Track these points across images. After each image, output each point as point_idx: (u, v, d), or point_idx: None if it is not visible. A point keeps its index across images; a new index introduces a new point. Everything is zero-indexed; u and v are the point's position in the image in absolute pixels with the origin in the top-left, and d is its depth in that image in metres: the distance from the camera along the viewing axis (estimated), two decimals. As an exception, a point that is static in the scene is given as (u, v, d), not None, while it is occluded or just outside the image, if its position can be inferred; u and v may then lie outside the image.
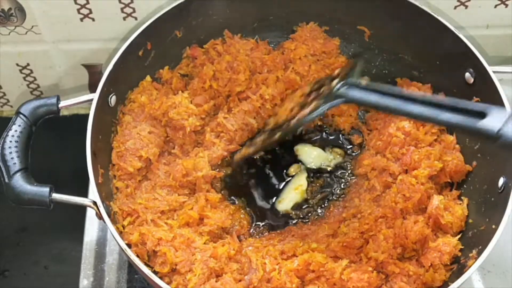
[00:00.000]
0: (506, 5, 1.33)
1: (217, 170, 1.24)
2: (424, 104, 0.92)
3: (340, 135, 1.34)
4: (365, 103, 1.02)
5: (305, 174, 1.27)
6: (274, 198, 1.26)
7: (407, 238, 1.09)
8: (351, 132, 1.34)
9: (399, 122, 1.23)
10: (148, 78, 1.28)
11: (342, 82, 1.01)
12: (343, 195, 1.26)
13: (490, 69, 1.15)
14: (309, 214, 1.23)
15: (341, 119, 1.34)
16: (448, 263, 1.07)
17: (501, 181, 1.08)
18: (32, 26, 1.29)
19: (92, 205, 1.04)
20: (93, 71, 1.43)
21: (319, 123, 1.35)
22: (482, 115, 0.87)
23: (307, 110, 1.07)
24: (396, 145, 1.22)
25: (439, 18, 1.22)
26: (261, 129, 1.27)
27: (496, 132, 0.85)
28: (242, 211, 1.23)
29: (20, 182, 1.03)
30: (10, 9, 1.25)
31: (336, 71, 1.09)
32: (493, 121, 0.86)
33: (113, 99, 1.19)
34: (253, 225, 1.22)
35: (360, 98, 1.00)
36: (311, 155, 1.30)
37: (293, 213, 1.23)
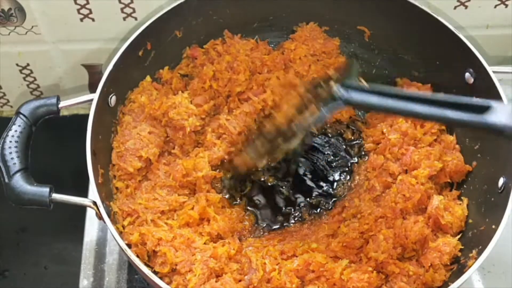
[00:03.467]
0: (506, 5, 1.33)
1: (217, 170, 1.24)
2: (426, 103, 0.91)
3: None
4: (367, 105, 0.99)
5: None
6: (274, 198, 1.26)
7: (407, 238, 1.09)
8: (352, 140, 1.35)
9: (395, 123, 1.23)
10: (148, 78, 1.28)
11: (340, 84, 0.98)
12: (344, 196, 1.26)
13: (490, 69, 1.15)
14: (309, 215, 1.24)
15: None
16: (448, 263, 1.07)
17: (501, 181, 1.08)
18: (32, 26, 1.29)
19: (92, 205, 1.04)
20: (93, 71, 1.43)
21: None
22: (484, 110, 0.87)
23: (307, 115, 1.04)
24: (394, 146, 1.22)
25: (439, 18, 1.22)
26: (257, 130, 1.25)
27: (502, 126, 0.84)
28: (245, 213, 1.23)
29: (20, 182, 1.03)
30: (10, 9, 1.25)
31: (331, 72, 1.06)
32: (499, 114, 0.86)
33: (113, 99, 1.19)
34: (254, 225, 1.22)
35: (361, 100, 0.97)
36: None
37: None
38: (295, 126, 1.06)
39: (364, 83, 1.01)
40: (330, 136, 1.34)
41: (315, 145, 1.33)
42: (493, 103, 0.88)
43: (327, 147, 1.33)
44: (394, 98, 0.93)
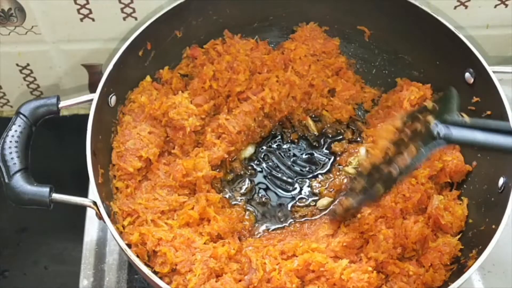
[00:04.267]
0: (506, 5, 1.33)
1: (217, 170, 1.24)
2: None
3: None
4: (472, 143, 0.90)
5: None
6: (274, 197, 1.26)
7: (407, 238, 1.09)
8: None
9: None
10: (148, 78, 1.28)
11: (440, 120, 0.90)
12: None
13: (490, 69, 1.15)
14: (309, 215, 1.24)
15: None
16: (448, 263, 1.07)
17: (501, 181, 1.08)
18: (32, 26, 1.29)
19: (92, 205, 1.04)
20: (93, 71, 1.43)
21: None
22: None
23: (406, 155, 0.95)
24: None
25: (439, 18, 1.22)
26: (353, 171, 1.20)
27: None
28: (245, 213, 1.23)
29: (20, 182, 1.03)
30: (10, 9, 1.25)
31: (428, 103, 0.97)
32: None
33: (113, 99, 1.19)
34: (255, 226, 1.22)
35: (465, 137, 0.88)
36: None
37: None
38: (393, 168, 0.98)
39: (465, 117, 0.92)
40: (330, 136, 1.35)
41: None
42: None
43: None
44: (501, 133, 0.87)
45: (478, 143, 0.89)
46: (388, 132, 1.03)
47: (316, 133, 1.34)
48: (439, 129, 0.89)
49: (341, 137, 1.34)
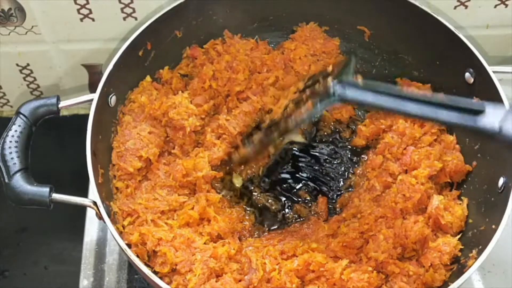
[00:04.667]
0: (506, 5, 1.33)
1: (217, 170, 1.24)
2: (423, 103, 0.92)
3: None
4: (362, 102, 0.99)
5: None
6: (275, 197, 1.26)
7: (407, 238, 1.09)
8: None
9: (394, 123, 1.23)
10: (148, 78, 1.28)
11: (337, 80, 0.98)
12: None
13: (490, 69, 1.15)
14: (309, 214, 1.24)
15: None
16: (448, 263, 1.07)
17: (501, 181, 1.08)
18: (32, 26, 1.29)
19: (92, 205, 1.04)
20: (93, 71, 1.43)
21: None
22: (480, 112, 0.88)
23: (303, 110, 1.05)
24: (393, 146, 1.22)
25: (439, 18, 1.22)
26: (256, 126, 1.26)
27: (496, 129, 0.85)
28: (245, 213, 1.23)
29: (20, 182, 1.03)
30: (10, 9, 1.25)
31: (329, 68, 1.06)
32: (492, 118, 0.87)
33: (113, 99, 1.19)
34: (255, 226, 1.22)
35: (357, 97, 0.97)
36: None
37: None
38: (290, 120, 1.07)
39: (360, 80, 1.00)
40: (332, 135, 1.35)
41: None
42: (488, 106, 0.88)
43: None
44: (389, 96, 0.94)
45: (367, 103, 0.96)
46: (289, 92, 1.11)
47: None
48: (335, 88, 0.96)
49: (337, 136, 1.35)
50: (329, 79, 1.00)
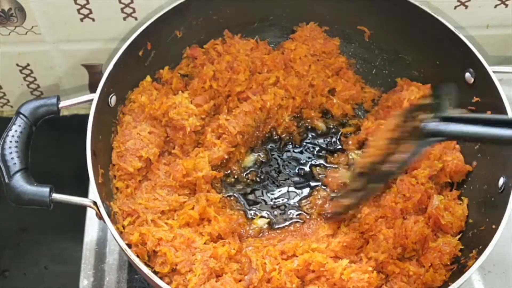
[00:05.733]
0: (506, 5, 1.33)
1: (217, 170, 1.24)
2: None
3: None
4: (467, 137, 0.92)
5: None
6: (275, 196, 1.26)
7: (407, 238, 1.09)
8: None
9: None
10: (148, 78, 1.28)
11: (435, 116, 0.91)
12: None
13: (490, 69, 1.15)
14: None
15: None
16: (448, 263, 1.07)
17: (501, 181, 1.08)
18: (32, 26, 1.29)
19: (92, 205, 1.04)
20: (93, 71, 1.43)
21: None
22: None
23: (403, 156, 0.97)
24: None
25: (439, 18, 1.22)
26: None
27: None
28: (245, 213, 1.23)
29: (20, 182, 1.03)
30: (10, 9, 1.25)
31: (420, 101, 0.99)
32: None
33: (113, 99, 1.19)
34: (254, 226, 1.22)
35: (460, 132, 0.90)
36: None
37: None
38: (389, 165, 1.00)
39: (458, 111, 0.94)
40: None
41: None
42: None
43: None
44: (492, 125, 0.87)
45: (473, 136, 0.90)
46: (385, 131, 1.05)
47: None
48: (435, 125, 0.91)
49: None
50: (423, 115, 0.94)
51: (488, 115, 0.95)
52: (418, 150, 0.94)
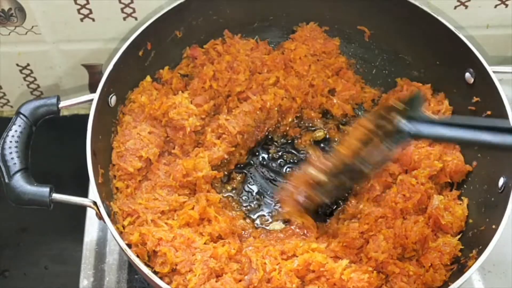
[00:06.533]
0: (506, 5, 1.33)
1: (217, 170, 1.24)
2: (498, 131, 0.88)
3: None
4: (438, 138, 0.96)
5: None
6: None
7: (407, 238, 1.09)
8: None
9: None
10: (148, 78, 1.28)
11: (407, 117, 0.94)
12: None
13: (490, 69, 1.15)
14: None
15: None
16: (448, 263, 1.07)
17: (501, 181, 1.08)
18: (32, 26, 1.29)
19: (92, 205, 1.04)
20: (93, 71, 1.43)
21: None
22: None
23: (376, 151, 1.00)
24: None
25: (439, 18, 1.22)
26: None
27: None
28: (245, 213, 1.23)
29: (20, 182, 1.03)
30: (10, 9, 1.25)
31: (393, 101, 0.99)
32: None
33: (113, 99, 1.19)
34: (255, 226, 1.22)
35: (432, 133, 0.93)
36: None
37: None
38: (363, 164, 1.03)
39: (428, 113, 0.97)
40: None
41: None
42: None
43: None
44: (465, 128, 0.90)
45: (444, 137, 0.94)
46: (358, 131, 1.06)
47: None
48: (406, 125, 0.93)
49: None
50: (396, 115, 0.96)
51: (455, 117, 1.00)
52: (393, 149, 0.97)
